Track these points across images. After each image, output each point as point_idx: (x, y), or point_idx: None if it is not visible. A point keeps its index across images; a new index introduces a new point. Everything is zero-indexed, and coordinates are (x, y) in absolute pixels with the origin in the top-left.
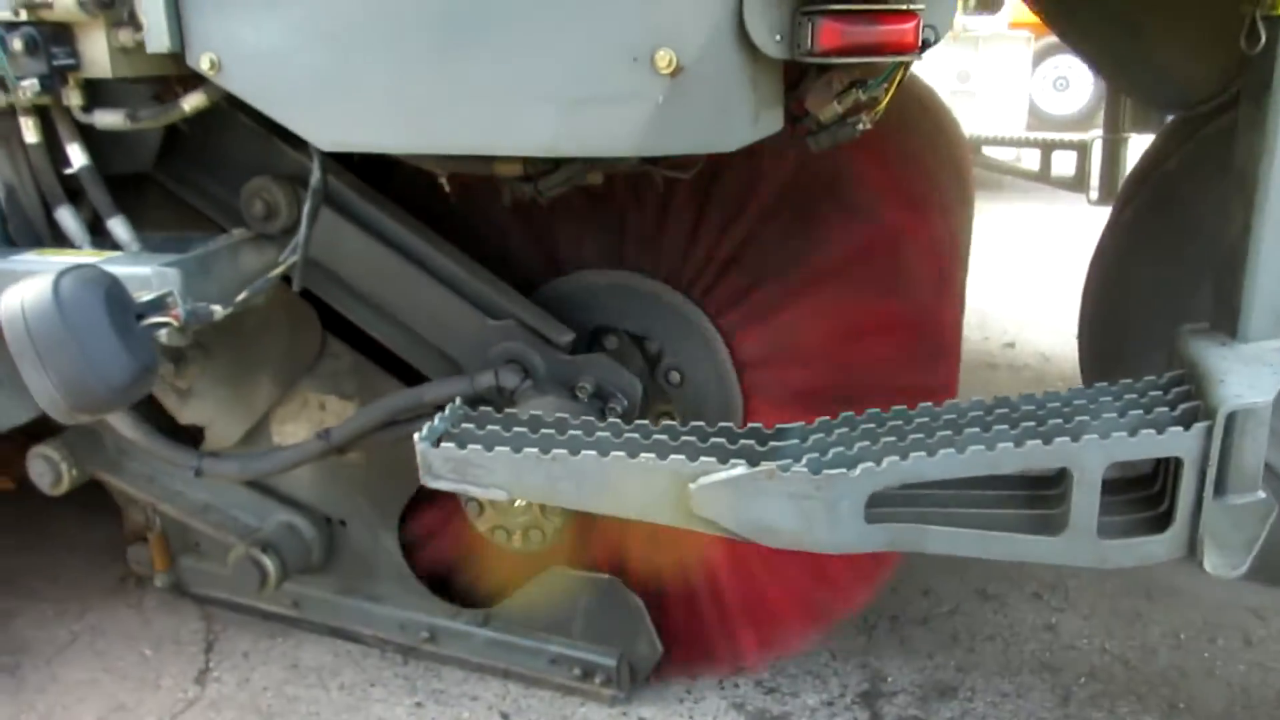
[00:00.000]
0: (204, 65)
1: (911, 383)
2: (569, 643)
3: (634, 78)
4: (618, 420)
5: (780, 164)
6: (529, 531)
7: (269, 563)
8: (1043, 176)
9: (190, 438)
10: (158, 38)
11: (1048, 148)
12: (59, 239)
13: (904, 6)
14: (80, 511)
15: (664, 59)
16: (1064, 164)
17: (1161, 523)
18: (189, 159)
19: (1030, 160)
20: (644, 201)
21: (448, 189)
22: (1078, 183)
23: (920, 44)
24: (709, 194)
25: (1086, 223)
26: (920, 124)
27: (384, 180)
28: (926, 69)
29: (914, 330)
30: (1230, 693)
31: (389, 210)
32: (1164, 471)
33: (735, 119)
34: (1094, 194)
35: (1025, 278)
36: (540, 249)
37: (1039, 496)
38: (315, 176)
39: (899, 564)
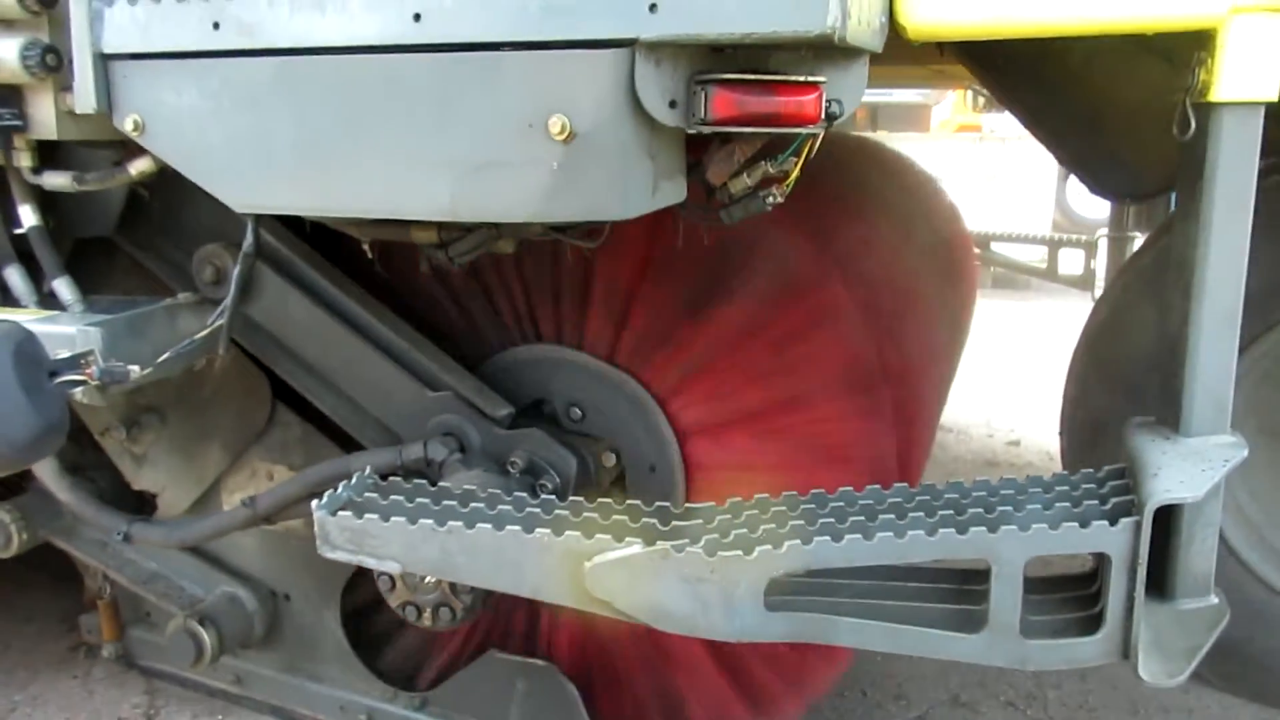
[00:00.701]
0: (128, 127)
1: (851, 447)
2: None
3: (529, 144)
4: (523, 495)
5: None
6: (439, 609)
7: (206, 635)
8: (1050, 274)
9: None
10: (84, 98)
11: (1055, 245)
12: (8, 298)
13: (803, 78)
14: (44, 579)
15: (557, 125)
16: (1072, 262)
17: (1094, 624)
18: (149, 225)
19: (1039, 258)
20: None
21: (370, 255)
22: (1084, 281)
23: (826, 116)
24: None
25: None
26: (898, 205)
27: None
28: (954, 166)
29: (845, 400)
30: None
31: (334, 278)
32: (1103, 570)
33: (633, 187)
34: (1099, 291)
35: (1033, 375)
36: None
37: (965, 591)
38: (247, 241)
39: (872, 667)
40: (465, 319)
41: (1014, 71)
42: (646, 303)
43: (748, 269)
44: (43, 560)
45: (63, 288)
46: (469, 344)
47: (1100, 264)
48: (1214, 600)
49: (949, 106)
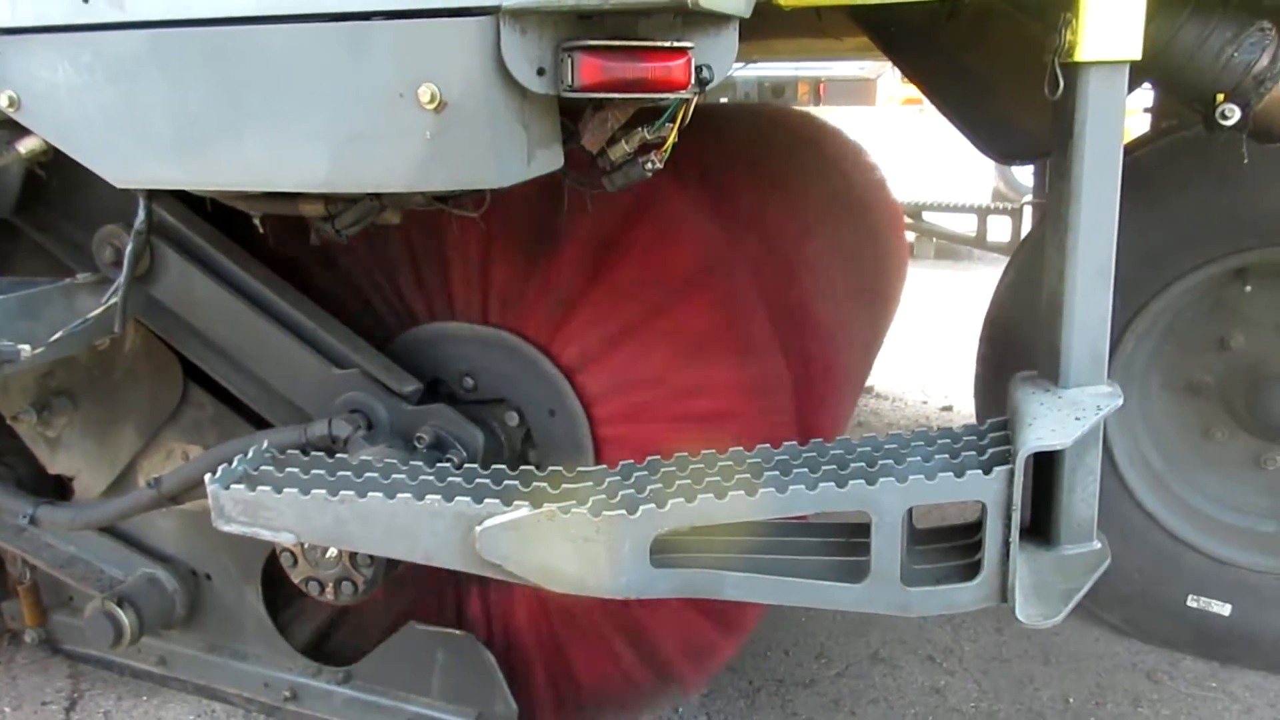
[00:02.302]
0: (3, 103)
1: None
2: (427, 702)
3: (401, 114)
4: (417, 463)
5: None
6: (341, 583)
7: (125, 617)
8: (980, 242)
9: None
10: None
11: (984, 213)
12: None
13: (670, 44)
14: None
15: (427, 94)
16: (1001, 230)
17: (973, 570)
18: (49, 206)
19: (968, 226)
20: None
21: (261, 230)
22: (1012, 248)
23: (697, 81)
24: (535, 235)
25: None
26: (818, 174)
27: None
28: (898, 139)
29: (741, 356)
30: None
31: (237, 258)
32: (981, 518)
33: (507, 155)
34: None
35: (967, 342)
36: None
37: (852, 544)
38: (139, 218)
39: (794, 627)
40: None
41: (906, 37)
42: (502, 260)
43: (613, 215)
44: None
45: None
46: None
47: (1027, 229)
48: (1096, 545)
49: (896, 79)
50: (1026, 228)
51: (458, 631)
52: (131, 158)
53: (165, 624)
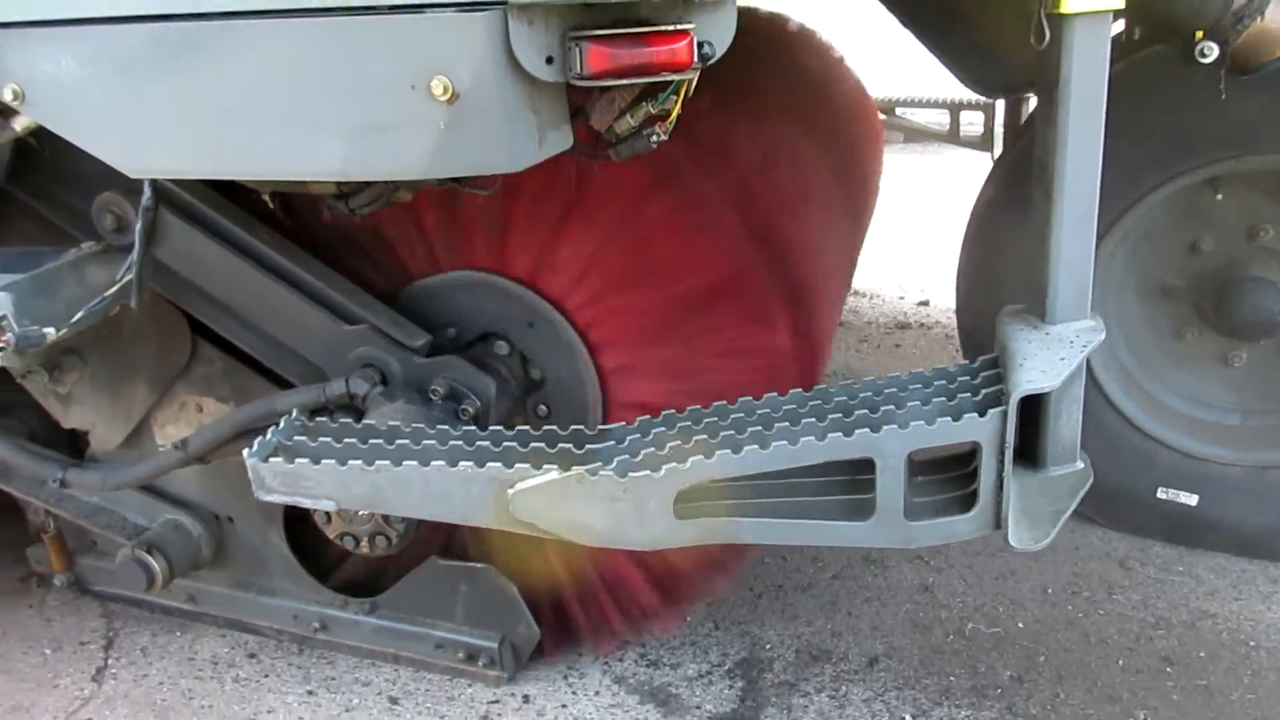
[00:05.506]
0: (7, 96)
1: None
2: (452, 628)
3: (414, 105)
4: (445, 428)
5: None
6: (375, 537)
7: (155, 563)
8: (952, 137)
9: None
10: None
11: (956, 108)
12: None
13: (672, 26)
14: None
15: (439, 86)
16: (973, 124)
17: (968, 502)
18: (43, 172)
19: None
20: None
21: (271, 205)
22: (984, 141)
23: (700, 58)
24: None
25: None
26: (793, 77)
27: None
28: (864, 27)
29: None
30: (1086, 642)
31: (240, 219)
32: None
33: (519, 140)
34: (999, 152)
35: (939, 233)
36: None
37: (854, 481)
38: (146, 195)
39: None
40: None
41: None
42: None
43: None
44: None
45: None
46: None
47: (998, 125)
48: (1079, 465)
49: None
50: (999, 121)
51: (479, 564)
52: (144, 149)
53: (193, 566)
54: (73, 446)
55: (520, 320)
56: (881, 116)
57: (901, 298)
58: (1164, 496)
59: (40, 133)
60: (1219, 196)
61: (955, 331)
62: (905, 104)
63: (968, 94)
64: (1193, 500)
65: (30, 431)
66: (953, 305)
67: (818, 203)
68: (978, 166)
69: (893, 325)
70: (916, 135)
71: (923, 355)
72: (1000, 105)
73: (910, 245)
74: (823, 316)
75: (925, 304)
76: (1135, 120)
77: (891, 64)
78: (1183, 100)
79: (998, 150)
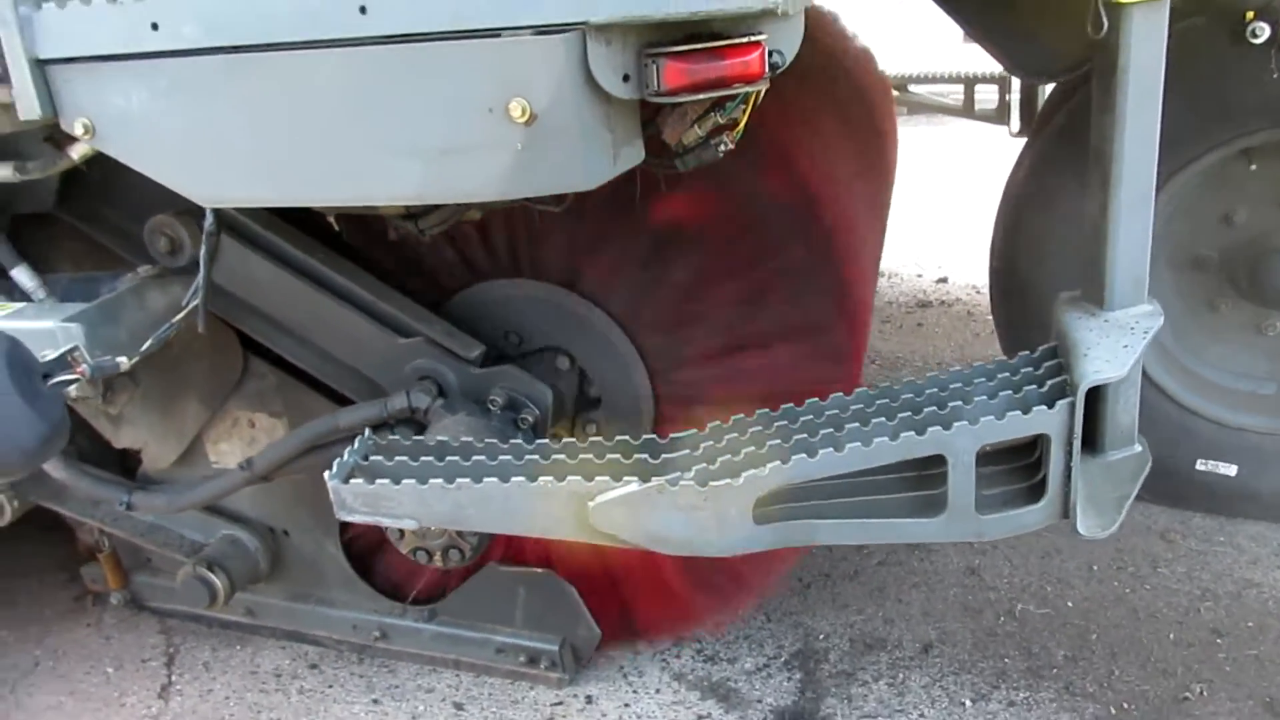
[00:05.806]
0: (78, 130)
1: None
2: (513, 632)
3: (492, 128)
4: (519, 442)
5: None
6: (448, 551)
7: (216, 579)
8: (966, 111)
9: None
10: (28, 106)
11: (970, 82)
12: None
13: (745, 39)
14: (34, 532)
15: (518, 109)
16: (987, 98)
17: (1036, 492)
18: (92, 196)
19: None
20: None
21: (336, 227)
22: (999, 115)
23: (770, 68)
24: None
25: (1011, 152)
26: (834, 86)
27: None
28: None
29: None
30: (1135, 617)
31: (293, 238)
32: (1043, 445)
33: (594, 158)
34: (1015, 126)
35: (954, 207)
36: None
37: (925, 477)
38: (208, 221)
39: None
40: None
41: None
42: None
43: None
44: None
45: (22, 276)
46: None
47: (1014, 97)
48: (1138, 448)
49: None
50: (1014, 93)
51: (538, 569)
52: (217, 178)
53: (252, 580)
54: (122, 465)
55: (585, 338)
56: (895, 94)
57: (919, 275)
58: (1203, 468)
59: (90, 157)
60: (1254, 167)
61: (975, 308)
62: (919, 80)
63: (980, 67)
64: (1231, 470)
65: (80, 451)
66: (970, 281)
67: (857, 200)
68: (986, 138)
69: (914, 304)
70: (930, 109)
71: (945, 333)
72: (1016, 79)
73: (923, 221)
74: (862, 328)
75: (944, 280)
76: (1174, 91)
77: (900, 38)
78: (1220, 71)
79: (1014, 124)
